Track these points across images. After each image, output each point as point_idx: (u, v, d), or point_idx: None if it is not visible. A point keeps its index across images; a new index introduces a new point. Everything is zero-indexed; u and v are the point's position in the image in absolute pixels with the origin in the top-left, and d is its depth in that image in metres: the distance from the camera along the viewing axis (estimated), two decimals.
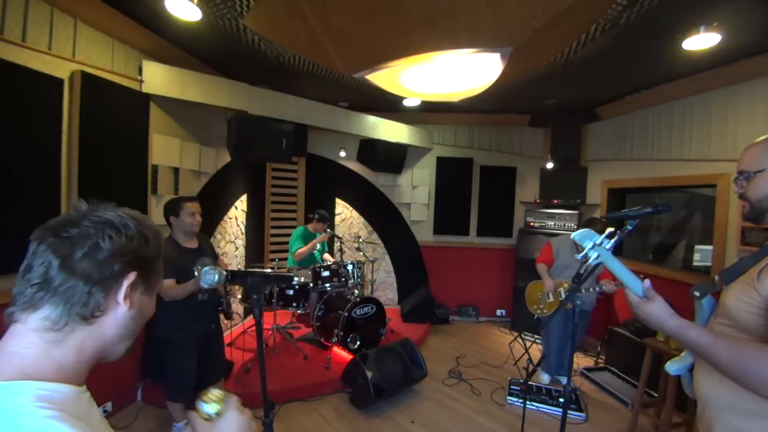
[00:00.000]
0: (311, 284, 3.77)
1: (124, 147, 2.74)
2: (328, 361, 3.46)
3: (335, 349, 3.67)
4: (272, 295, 3.67)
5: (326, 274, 3.79)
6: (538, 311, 3.48)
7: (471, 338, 4.74)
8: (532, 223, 4.96)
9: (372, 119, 4.69)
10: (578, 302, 1.61)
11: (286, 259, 4.38)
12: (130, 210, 0.68)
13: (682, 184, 3.65)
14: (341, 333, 3.49)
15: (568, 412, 2.34)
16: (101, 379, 2.50)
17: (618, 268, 1.04)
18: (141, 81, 2.85)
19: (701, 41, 2.50)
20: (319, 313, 3.77)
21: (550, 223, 4.85)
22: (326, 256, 4.49)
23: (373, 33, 2.30)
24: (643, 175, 4.05)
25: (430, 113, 5.14)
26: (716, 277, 1.09)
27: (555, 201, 4.90)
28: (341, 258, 4.21)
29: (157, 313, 0.74)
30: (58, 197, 2.31)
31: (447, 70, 2.56)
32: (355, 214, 5.49)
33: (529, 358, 2.76)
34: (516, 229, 5.26)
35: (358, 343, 3.59)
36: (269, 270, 3.82)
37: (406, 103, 4.49)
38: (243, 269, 4.22)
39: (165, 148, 3.12)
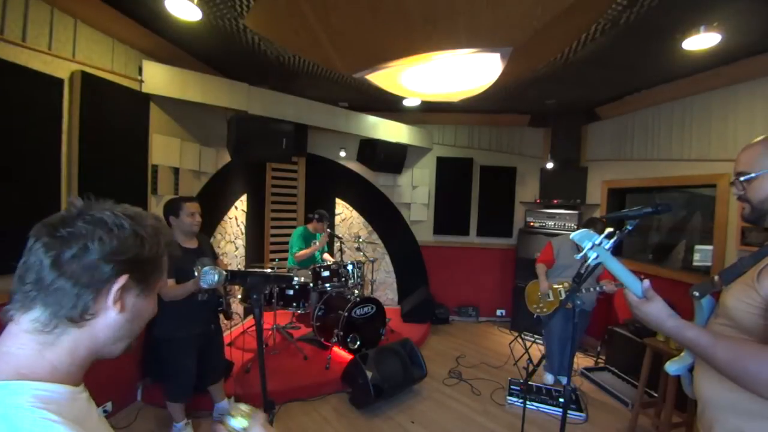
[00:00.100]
0: (311, 284, 3.78)
1: (124, 147, 2.74)
2: (328, 361, 3.46)
3: (335, 349, 3.67)
4: (272, 295, 3.67)
5: (326, 274, 3.79)
6: (538, 310, 3.48)
7: (471, 338, 4.74)
8: (532, 223, 4.96)
9: (372, 119, 4.69)
10: (578, 302, 1.61)
11: (286, 259, 4.38)
12: (129, 207, 0.66)
13: (682, 184, 3.65)
14: (341, 333, 3.49)
15: (568, 412, 2.34)
16: (101, 379, 2.50)
17: (617, 268, 1.04)
18: (141, 81, 2.85)
19: (701, 41, 2.50)
20: (319, 313, 3.77)
21: (550, 223, 4.85)
22: (326, 256, 4.49)
23: (373, 33, 2.30)
24: (643, 175, 4.05)
25: (430, 113, 5.14)
26: (716, 278, 1.09)
27: (555, 201, 4.90)
28: (341, 258, 4.21)
29: (156, 312, 0.74)
30: (58, 197, 2.32)
31: (447, 70, 2.56)
32: (355, 214, 5.49)
33: (529, 358, 2.75)
34: (516, 229, 5.26)
35: (358, 343, 3.59)
36: (269, 270, 3.82)
37: (406, 103, 4.49)
38: (243, 269, 4.22)
39: (165, 148, 3.12)
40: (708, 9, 2.23)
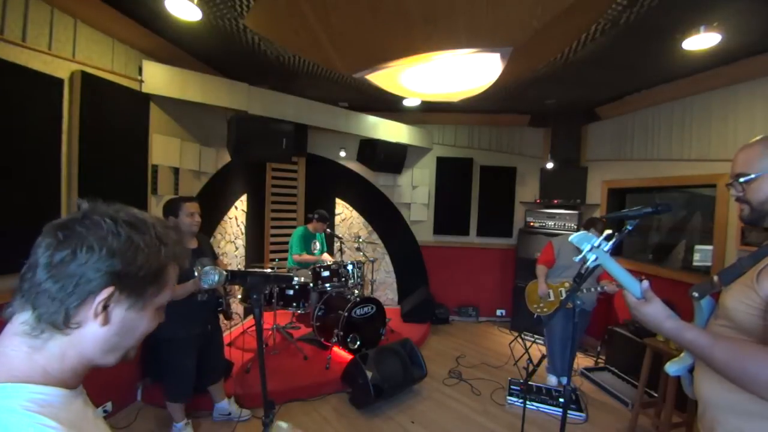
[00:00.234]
0: (311, 284, 3.78)
1: (124, 147, 2.74)
2: (328, 361, 3.46)
3: (335, 349, 3.67)
4: (272, 295, 3.67)
5: (326, 274, 3.79)
6: (539, 310, 3.48)
7: (471, 338, 4.74)
8: (532, 223, 4.96)
9: (372, 119, 4.69)
10: (578, 302, 1.60)
11: (286, 259, 4.38)
12: (135, 213, 0.63)
13: (682, 184, 3.65)
14: (341, 333, 3.49)
15: (568, 412, 2.34)
16: (101, 379, 2.50)
17: (616, 269, 1.04)
18: (141, 81, 2.85)
19: (701, 41, 2.50)
20: (319, 313, 3.77)
21: (550, 223, 4.85)
22: (326, 256, 4.49)
23: (373, 33, 2.30)
24: (643, 175, 4.05)
25: (430, 113, 5.14)
26: (715, 278, 1.09)
27: (555, 201, 4.90)
28: (341, 258, 4.21)
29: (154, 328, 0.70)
30: (58, 197, 2.31)
31: (447, 70, 2.56)
32: (355, 214, 5.49)
33: (529, 358, 2.75)
34: (516, 229, 5.26)
35: (358, 343, 3.59)
36: (269, 270, 3.82)
37: (406, 103, 4.48)
38: (243, 269, 4.22)
39: (165, 148, 3.12)
40: (708, 9, 2.23)
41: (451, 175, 5.40)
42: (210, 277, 1.40)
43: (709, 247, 3.32)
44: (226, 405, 2.77)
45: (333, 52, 2.55)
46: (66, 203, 2.35)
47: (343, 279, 3.85)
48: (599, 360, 4.04)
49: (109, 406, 2.69)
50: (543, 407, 3.09)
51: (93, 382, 0.62)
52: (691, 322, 1.08)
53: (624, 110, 4.19)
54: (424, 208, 5.45)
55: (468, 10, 2.00)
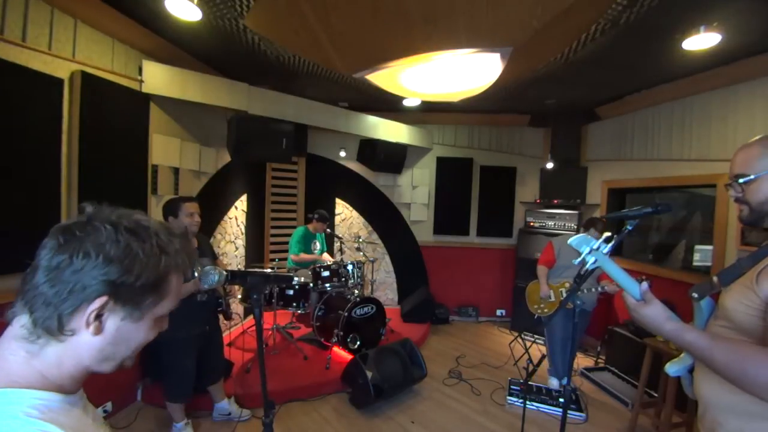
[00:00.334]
0: (311, 284, 3.78)
1: (124, 147, 2.74)
2: (328, 361, 3.46)
3: (335, 349, 3.67)
4: (272, 295, 3.67)
5: (326, 274, 3.79)
6: (539, 311, 3.48)
7: (471, 338, 4.74)
8: (532, 223, 4.96)
9: (372, 119, 4.69)
10: (578, 302, 1.60)
11: (286, 259, 4.38)
12: (139, 219, 0.61)
13: (682, 184, 3.65)
14: (341, 333, 3.49)
15: (568, 412, 2.34)
16: (101, 380, 2.48)
17: (615, 271, 1.04)
18: (141, 81, 2.85)
19: (701, 41, 2.50)
20: (319, 313, 3.77)
21: (550, 223, 4.85)
22: (326, 256, 4.49)
23: (373, 33, 2.30)
24: (643, 175, 4.05)
25: (430, 113, 5.14)
26: (715, 279, 1.08)
27: (555, 201, 4.89)
28: (341, 258, 4.21)
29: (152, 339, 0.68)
30: (58, 197, 2.31)
31: (447, 70, 2.56)
32: (355, 214, 5.49)
33: (529, 358, 2.75)
34: (516, 229, 5.26)
35: (358, 343, 3.59)
36: (269, 270, 3.82)
37: (406, 103, 4.48)
38: (243, 269, 4.22)
39: (165, 148, 3.12)
40: (708, 9, 2.23)
41: (451, 175, 5.40)
42: (210, 277, 1.39)
43: (709, 247, 3.32)
44: (226, 405, 2.77)
45: (333, 52, 2.55)
46: (66, 203, 2.36)
47: (343, 279, 3.85)
48: (599, 360, 4.04)
49: (109, 406, 2.69)
50: (543, 407, 3.09)
51: (93, 382, 0.62)
52: (690, 322, 1.08)
53: (624, 110, 4.19)
54: (424, 208, 5.45)
55: (468, 10, 2.00)
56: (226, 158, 4.01)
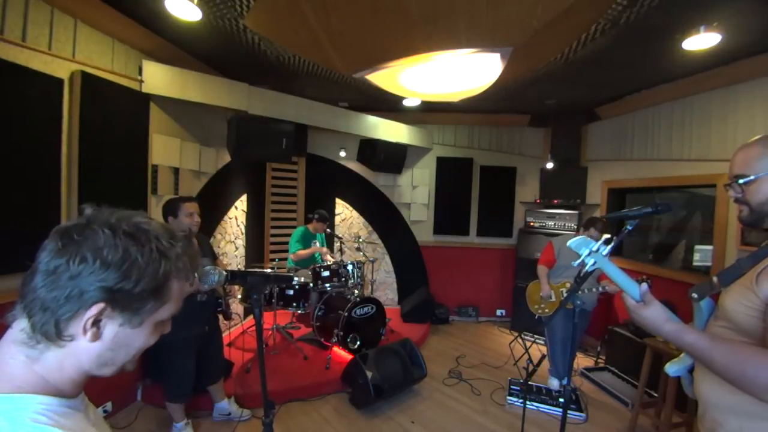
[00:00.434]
0: (311, 284, 3.78)
1: (124, 147, 2.74)
2: (328, 361, 3.46)
3: (335, 349, 3.67)
4: (272, 295, 3.67)
5: (326, 274, 3.79)
6: (540, 311, 3.48)
7: (471, 338, 4.74)
8: (532, 223, 4.96)
9: (372, 119, 4.69)
10: (578, 302, 1.60)
11: (286, 259, 4.38)
12: (139, 222, 0.59)
13: (682, 184, 3.65)
14: (341, 333, 3.49)
15: (568, 412, 2.34)
16: (101, 380, 2.48)
17: (615, 273, 1.04)
18: (141, 81, 2.85)
19: (701, 41, 2.50)
20: (319, 313, 3.77)
21: (550, 223, 4.85)
22: (325, 249, 4.49)
23: (373, 33, 2.30)
24: (643, 175, 4.05)
25: (430, 113, 5.14)
26: (714, 279, 1.08)
27: (555, 201, 4.90)
28: (341, 258, 4.21)
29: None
30: (58, 197, 2.31)
31: (447, 70, 2.56)
32: (355, 214, 5.49)
33: (529, 358, 2.75)
34: (516, 229, 5.26)
35: (358, 343, 3.59)
36: (269, 270, 3.82)
37: (406, 103, 4.48)
38: (243, 269, 4.22)
39: (165, 148, 3.12)
40: (708, 9, 2.23)
41: (451, 175, 5.40)
42: (210, 277, 1.39)
43: (709, 247, 3.32)
44: (226, 405, 2.77)
45: (333, 52, 2.55)
46: (66, 203, 2.36)
47: (343, 279, 3.85)
48: (599, 360, 4.04)
49: (109, 406, 2.69)
50: (543, 407, 3.09)
51: (93, 383, 0.62)
52: (690, 323, 1.08)
53: (624, 110, 4.19)
54: (424, 208, 5.45)
55: (468, 10, 2.00)
56: (226, 158, 4.01)
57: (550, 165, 4.93)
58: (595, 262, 1.07)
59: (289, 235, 4.37)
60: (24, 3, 2.06)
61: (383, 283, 5.53)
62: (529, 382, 3.28)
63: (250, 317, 4.28)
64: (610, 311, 4.22)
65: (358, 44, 2.45)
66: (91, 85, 2.44)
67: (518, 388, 3.34)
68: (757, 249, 1.01)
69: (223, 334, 3.02)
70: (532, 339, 4.49)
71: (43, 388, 0.55)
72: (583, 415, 2.98)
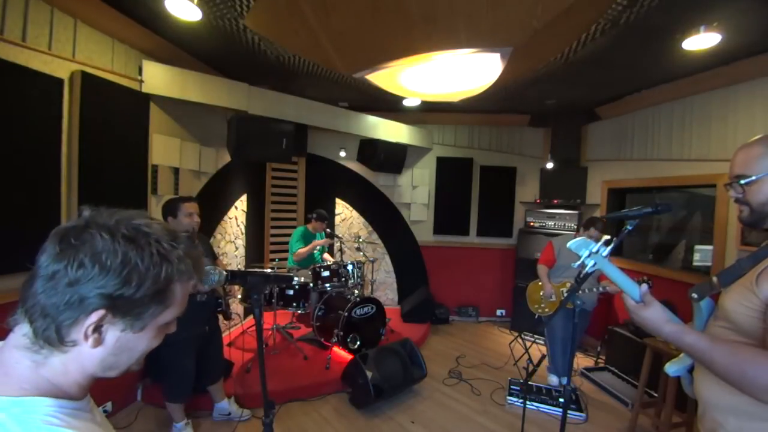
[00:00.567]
0: (311, 284, 3.78)
1: (124, 147, 2.74)
2: (328, 361, 3.46)
3: (335, 349, 3.67)
4: (272, 295, 3.67)
5: (326, 274, 3.79)
6: (540, 311, 3.48)
7: (471, 338, 4.74)
8: (532, 223, 4.96)
9: (372, 119, 4.69)
10: (578, 302, 1.60)
11: (286, 259, 4.38)
12: (135, 226, 0.57)
13: (682, 184, 3.65)
14: (341, 333, 3.49)
15: (568, 412, 2.34)
16: (101, 380, 2.50)
17: (615, 274, 1.04)
18: (141, 81, 2.85)
19: (701, 41, 2.50)
20: (319, 313, 3.77)
21: (550, 223, 4.85)
22: (326, 256, 4.49)
23: (373, 33, 2.30)
24: (643, 175, 4.05)
25: (430, 113, 5.14)
26: (714, 279, 1.08)
27: (555, 201, 4.90)
28: (341, 258, 4.21)
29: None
30: (58, 197, 2.31)
31: (447, 70, 2.56)
32: (355, 214, 5.49)
33: (529, 358, 2.75)
34: (516, 229, 5.26)
35: (358, 343, 3.59)
36: (269, 270, 3.82)
37: (406, 103, 4.48)
38: (243, 269, 4.22)
39: (165, 148, 3.12)
40: (708, 9, 2.23)
41: (451, 175, 5.40)
42: (210, 277, 1.39)
43: (709, 247, 3.32)
44: (226, 405, 2.77)
45: (333, 52, 2.55)
46: (66, 203, 2.35)
47: (343, 279, 3.85)
48: (599, 360, 4.04)
49: (109, 406, 2.69)
50: (543, 407, 3.09)
51: (93, 383, 0.62)
52: (690, 323, 1.07)
53: (624, 110, 4.19)
54: (424, 208, 5.45)
55: (468, 10, 2.00)
56: (226, 158, 4.01)
57: (550, 165, 4.93)
58: (595, 264, 1.07)
59: (289, 235, 4.37)
60: (24, 3, 2.06)
61: (383, 283, 5.53)
62: (529, 382, 3.28)
63: (250, 317, 4.28)
64: (610, 311, 4.22)
65: (358, 44, 2.45)
66: (91, 85, 2.44)
67: (518, 388, 3.34)
68: (757, 249, 1.01)
69: (223, 334, 3.02)
70: (532, 339, 4.49)
71: (51, 391, 0.55)
72: (583, 415, 2.98)
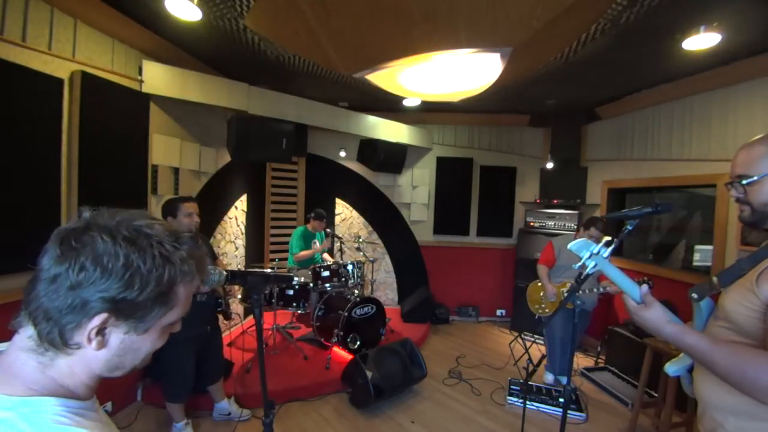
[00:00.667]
0: (311, 284, 3.78)
1: (124, 147, 2.74)
2: (328, 361, 3.46)
3: (335, 349, 3.67)
4: (272, 295, 3.67)
5: (326, 274, 3.79)
6: (540, 311, 3.48)
7: (471, 338, 4.74)
8: (532, 223, 4.96)
9: (372, 119, 4.69)
10: (578, 302, 1.61)
11: (286, 259, 4.38)
12: (136, 227, 0.57)
13: (682, 184, 3.65)
14: (341, 333, 3.49)
15: (568, 412, 2.34)
16: (102, 380, 2.50)
17: (615, 274, 1.04)
18: (141, 81, 2.85)
19: (701, 41, 2.50)
20: (319, 313, 3.77)
21: (550, 223, 4.85)
22: (326, 256, 4.49)
23: (373, 33, 2.30)
24: (643, 175, 4.04)
25: (430, 113, 5.14)
26: (714, 279, 1.08)
27: (555, 201, 4.90)
28: (341, 258, 4.21)
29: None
30: (58, 197, 2.31)
31: (447, 70, 2.56)
32: (355, 214, 5.49)
33: (529, 358, 2.75)
34: (516, 229, 5.26)
35: (358, 343, 3.59)
36: (269, 270, 3.82)
37: (406, 103, 4.48)
38: (243, 269, 4.22)
39: (165, 148, 3.12)
40: (708, 9, 2.23)
41: (451, 175, 5.40)
42: (210, 277, 1.39)
43: (709, 247, 3.32)
44: (226, 405, 2.77)
45: (333, 52, 2.56)
46: (66, 203, 2.35)
47: (343, 279, 3.85)
48: (599, 360, 4.04)
49: (109, 406, 2.69)
50: (543, 407, 3.09)
51: (100, 383, 0.62)
52: (690, 323, 1.07)
53: (624, 110, 4.19)
54: (424, 208, 5.45)
55: (468, 10, 2.00)
56: (226, 158, 4.01)
57: (550, 165, 4.93)
58: (596, 265, 1.07)
59: (288, 235, 4.38)
60: (24, 3, 2.06)
61: (383, 283, 5.53)
62: (529, 382, 3.28)
63: (250, 317, 4.28)
64: (610, 311, 4.22)
65: (358, 44, 2.45)
66: (91, 85, 2.44)
67: (518, 388, 3.33)
68: (757, 249, 1.01)
69: (223, 334, 3.02)
70: (532, 339, 4.49)
71: (59, 391, 0.55)
72: (583, 415, 2.98)
